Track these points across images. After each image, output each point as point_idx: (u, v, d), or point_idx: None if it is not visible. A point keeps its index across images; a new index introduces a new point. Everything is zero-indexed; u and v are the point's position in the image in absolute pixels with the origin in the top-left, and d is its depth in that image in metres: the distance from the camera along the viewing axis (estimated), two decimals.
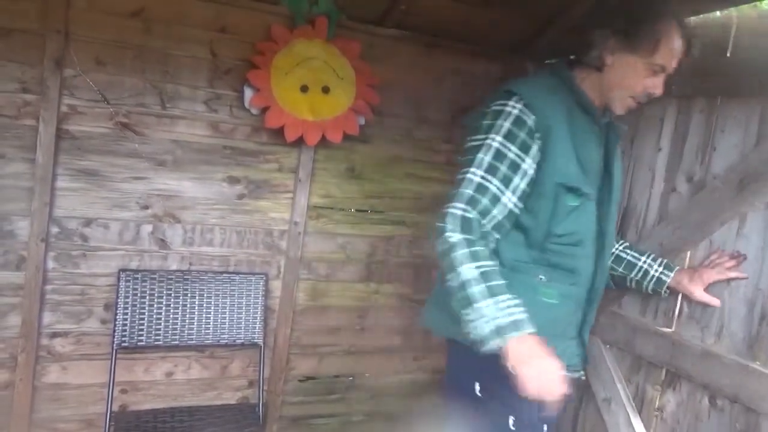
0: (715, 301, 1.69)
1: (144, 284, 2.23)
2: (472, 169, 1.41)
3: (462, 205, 1.38)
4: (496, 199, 1.40)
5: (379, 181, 2.58)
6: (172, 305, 2.27)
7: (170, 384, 2.39)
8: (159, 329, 2.24)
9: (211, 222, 2.34)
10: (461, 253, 1.33)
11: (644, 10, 1.46)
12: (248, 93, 2.25)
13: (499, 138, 1.42)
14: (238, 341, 2.37)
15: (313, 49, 2.27)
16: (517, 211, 1.45)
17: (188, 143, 2.25)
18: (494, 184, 1.40)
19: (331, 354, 2.66)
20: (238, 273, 2.39)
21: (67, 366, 2.23)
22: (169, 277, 2.27)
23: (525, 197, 1.46)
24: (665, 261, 1.79)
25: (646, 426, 1.89)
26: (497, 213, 1.41)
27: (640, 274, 1.80)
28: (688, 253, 1.83)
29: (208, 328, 2.32)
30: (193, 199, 2.30)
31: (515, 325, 1.28)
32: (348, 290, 2.64)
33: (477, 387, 1.52)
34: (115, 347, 2.17)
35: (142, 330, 2.21)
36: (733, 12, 1.78)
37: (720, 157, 1.75)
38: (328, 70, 2.30)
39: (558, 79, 1.56)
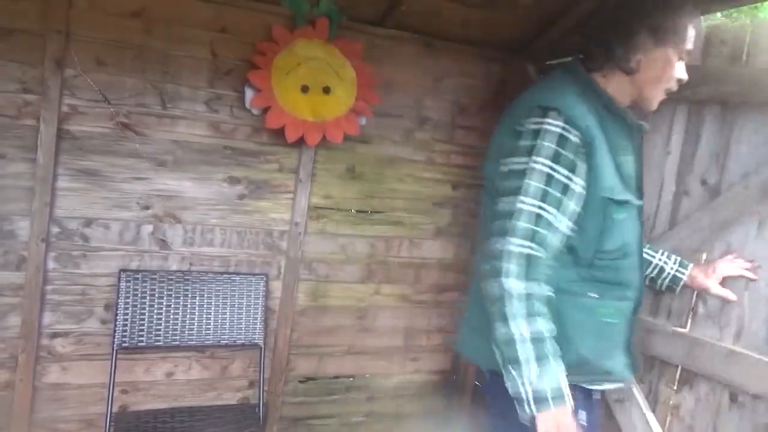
0: (731, 296, 1.70)
1: (144, 284, 2.23)
2: (523, 198, 1.31)
3: (520, 241, 1.29)
4: (552, 228, 1.32)
5: (379, 181, 2.59)
6: (172, 306, 2.27)
7: (170, 384, 2.39)
8: (159, 329, 2.24)
9: (211, 222, 2.34)
10: (517, 308, 1.26)
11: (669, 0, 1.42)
12: (249, 93, 2.25)
13: (544, 160, 1.32)
14: (239, 342, 2.37)
15: (313, 49, 2.27)
16: (570, 233, 1.37)
17: (189, 143, 2.26)
18: (549, 212, 1.31)
19: (331, 354, 2.66)
20: (238, 273, 2.39)
21: (68, 366, 2.23)
22: (170, 277, 2.27)
23: (576, 218, 1.38)
24: (679, 258, 1.80)
25: (661, 424, 1.90)
26: (556, 241, 1.34)
27: (655, 271, 1.80)
28: (704, 255, 1.84)
29: (209, 329, 2.32)
30: (193, 200, 2.30)
31: (553, 399, 1.25)
32: (348, 291, 2.64)
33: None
34: (115, 347, 2.17)
35: (142, 330, 2.21)
36: (746, 18, 1.79)
37: (736, 163, 1.77)
38: (329, 70, 2.30)
39: (580, 84, 1.47)
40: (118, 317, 2.18)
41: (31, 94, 2.02)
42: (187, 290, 2.29)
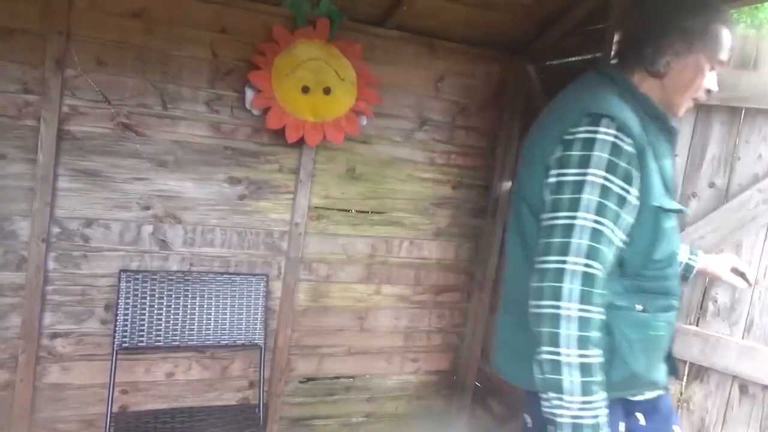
0: (742, 283, 1.70)
1: (145, 285, 2.23)
2: (582, 213, 1.23)
3: (577, 258, 1.21)
4: (610, 243, 1.25)
5: (379, 182, 2.59)
6: (172, 306, 2.26)
7: (171, 385, 2.39)
8: (159, 330, 2.24)
9: (211, 223, 2.34)
10: (571, 332, 1.20)
11: (706, 6, 1.39)
12: (249, 94, 2.25)
13: (599, 172, 1.24)
14: (239, 342, 2.37)
15: (314, 50, 2.27)
16: (623, 246, 1.30)
17: (189, 144, 2.26)
18: (607, 227, 1.24)
19: (331, 355, 2.66)
20: (238, 274, 2.39)
21: (68, 366, 2.23)
22: (170, 277, 2.27)
23: (629, 229, 1.32)
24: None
25: None
26: (612, 256, 1.27)
27: None
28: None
29: (209, 329, 2.32)
30: (193, 200, 2.30)
31: (592, 428, 1.22)
32: (348, 291, 2.64)
33: None
34: (115, 348, 2.17)
35: (142, 330, 2.21)
36: (747, 19, 1.80)
37: (745, 168, 1.85)
38: (329, 71, 2.30)
39: (617, 86, 1.41)
40: (118, 317, 2.18)
41: (32, 94, 2.02)
42: (187, 290, 2.29)
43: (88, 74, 2.08)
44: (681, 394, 1.95)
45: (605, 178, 1.24)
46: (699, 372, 1.92)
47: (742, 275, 1.69)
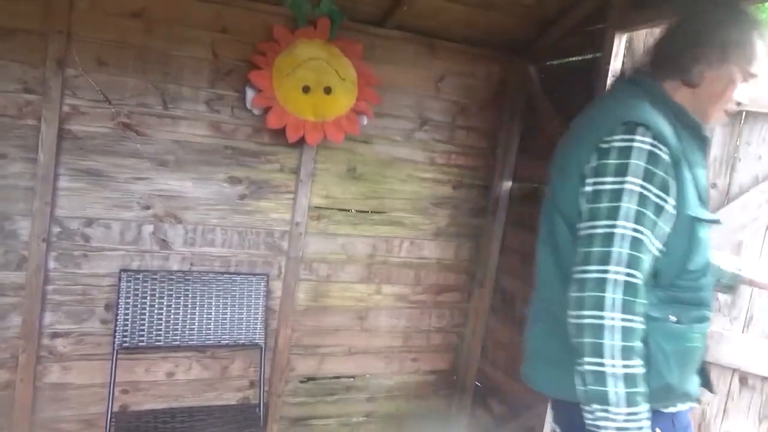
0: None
1: (145, 284, 2.23)
2: (621, 222, 1.23)
3: (617, 268, 1.20)
4: (648, 252, 1.25)
5: (380, 181, 2.59)
6: (173, 305, 2.27)
7: (171, 384, 2.39)
8: (160, 329, 2.24)
9: (212, 222, 2.34)
10: (615, 342, 1.19)
11: (745, 18, 1.39)
12: (250, 93, 2.25)
13: (637, 180, 1.24)
14: (239, 342, 2.37)
15: (314, 49, 2.27)
16: (659, 255, 1.29)
17: (190, 143, 2.26)
18: (646, 236, 1.24)
19: (331, 355, 2.66)
20: (239, 273, 2.39)
21: (68, 366, 2.23)
22: (171, 277, 2.27)
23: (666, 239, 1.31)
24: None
25: None
26: (649, 266, 1.26)
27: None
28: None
29: (209, 329, 2.32)
30: (194, 200, 2.30)
31: None
32: (348, 291, 2.64)
33: None
34: (116, 347, 2.17)
35: (143, 330, 2.21)
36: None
37: (745, 169, 1.89)
38: (330, 70, 2.30)
39: (650, 95, 1.40)
40: (118, 317, 2.18)
41: (33, 94, 2.02)
42: (187, 290, 2.29)
43: (89, 74, 2.08)
44: None
45: (643, 187, 1.24)
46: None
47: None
